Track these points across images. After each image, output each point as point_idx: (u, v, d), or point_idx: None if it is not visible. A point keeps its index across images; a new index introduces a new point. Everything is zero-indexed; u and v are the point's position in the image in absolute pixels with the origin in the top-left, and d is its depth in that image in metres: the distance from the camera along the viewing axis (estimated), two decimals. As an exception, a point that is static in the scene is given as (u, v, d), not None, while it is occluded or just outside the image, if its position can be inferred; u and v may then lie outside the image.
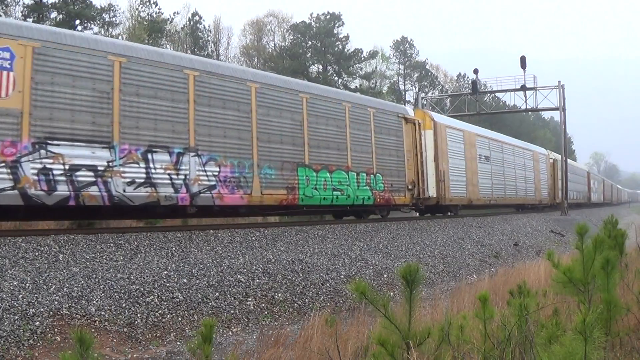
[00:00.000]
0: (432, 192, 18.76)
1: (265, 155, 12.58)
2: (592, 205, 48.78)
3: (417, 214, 20.79)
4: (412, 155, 17.82)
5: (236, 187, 11.96)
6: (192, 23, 39.08)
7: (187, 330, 7.10)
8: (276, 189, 12.77)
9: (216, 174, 11.61)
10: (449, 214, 22.08)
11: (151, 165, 10.45)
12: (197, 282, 8.19)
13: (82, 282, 7.19)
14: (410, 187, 17.38)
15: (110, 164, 9.84)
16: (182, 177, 10.96)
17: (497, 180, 25.21)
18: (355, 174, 15.10)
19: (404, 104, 40.53)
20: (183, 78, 11.17)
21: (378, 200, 15.95)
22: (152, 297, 7.38)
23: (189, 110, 11.20)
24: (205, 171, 11.39)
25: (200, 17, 39.47)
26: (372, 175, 15.77)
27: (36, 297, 6.51)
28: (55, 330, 6.14)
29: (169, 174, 10.74)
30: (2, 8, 27.74)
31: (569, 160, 38.19)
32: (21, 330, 5.88)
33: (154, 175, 10.48)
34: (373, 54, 48.61)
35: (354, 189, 14.98)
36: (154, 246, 9.37)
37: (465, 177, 21.49)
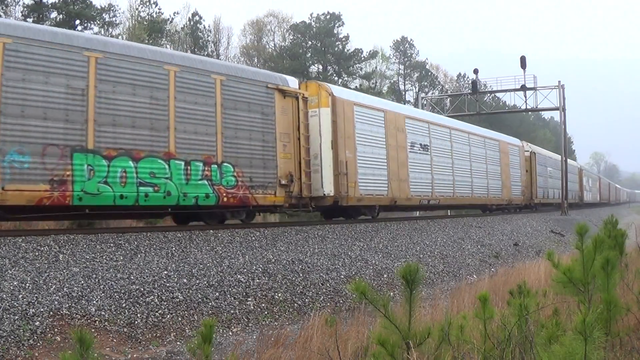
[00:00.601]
0: (327, 189, 14.36)
1: (13, 136, 8.96)
2: (585, 206, 44.62)
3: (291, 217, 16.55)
4: (292, 139, 13.28)
5: None
6: (192, 23, 39.10)
7: (187, 330, 7.10)
8: (32, 183, 9.18)
9: None
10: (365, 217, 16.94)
11: None
12: (197, 282, 8.19)
13: (82, 282, 7.20)
14: (284, 182, 12.89)
15: None
16: None
17: (442, 175, 20.04)
18: (182, 162, 10.97)
19: (404, 104, 40.48)
20: None
21: (225, 199, 11.68)
22: (152, 297, 7.38)
23: None
24: None
25: (200, 17, 39.50)
26: (214, 166, 11.53)
27: (36, 297, 6.52)
28: (55, 330, 6.14)
29: None
30: (2, 8, 27.75)
31: (552, 154, 36.29)
32: (21, 330, 5.88)
33: None
34: (373, 54, 48.65)
35: (179, 183, 10.88)
36: (154, 246, 9.37)
37: (386, 170, 16.60)
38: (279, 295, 8.78)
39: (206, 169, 11.44)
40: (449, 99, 44.63)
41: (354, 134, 15.40)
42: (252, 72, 13.55)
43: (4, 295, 6.35)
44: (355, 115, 15.56)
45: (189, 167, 11.12)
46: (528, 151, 30.21)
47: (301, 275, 9.64)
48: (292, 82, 13.86)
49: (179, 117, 11.05)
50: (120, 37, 31.85)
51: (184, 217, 12.86)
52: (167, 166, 10.79)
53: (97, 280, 7.35)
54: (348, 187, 14.75)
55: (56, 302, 6.53)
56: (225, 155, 11.85)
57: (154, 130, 10.69)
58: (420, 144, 18.90)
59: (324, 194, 14.38)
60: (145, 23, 33.87)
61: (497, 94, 40.52)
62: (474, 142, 23.30)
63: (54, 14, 28.64)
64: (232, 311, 7.91)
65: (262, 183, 12.56)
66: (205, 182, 11.43)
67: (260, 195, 12.52)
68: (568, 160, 39.14)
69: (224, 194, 11.71)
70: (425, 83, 55.04)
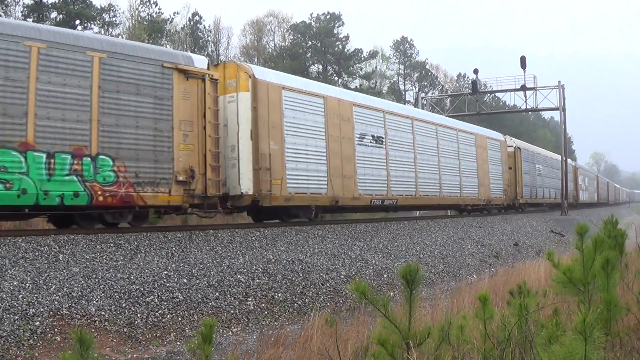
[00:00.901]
0: (245, 186, 12.28)
1: None
2: (581, 206, 42.34)
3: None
4: (196, 128, 11.40)
5: None
6: (192, 23, 39.08)
7: (187, 330, 7.11)
8: None
9: None
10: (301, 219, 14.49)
11: None
12: (197, 282, 8.19)
13: (82, 282, 7.20)
14: (182, 178, 10.96)
15: None
16: None
17: (401, 171, 17.64)
18: (43, 155, 9.26)
19: (404, 104, 40.47)
20: None
21: (100, 198, 9.88)
22: (152, 297, 7.38)
23: None
24: None
25: (200, 17, 39.48)
26: (86, 158, 9.78)
27: (36, 297, 6.52)
28: (55, 330, 6.14)
29: None
30: (2, 8, 27.76)
31: (541, 150, 35.02)
32: (21, 330, 5.88)
33: None
34: (373, 54, 48.63)
35: (38, 179, 9.17)
36: (154, 246, 9.37)
37: (326, 165, 14.35)
38: (279, 295, 8.78)
39: (75, 162, 9.64)
40: (449, 99, 44.65)
41: (282, 122, 13.17)
42: (143, 49, 11.37)
43: (4, 295, 6.35)
44: (284, 101, 13.31)
45: (52, 160, 9.36)
46: (512, 146, 27.93)
47: (301, 275, 9.64)
48: (200, 62, 11.90)
49: (41, 101, 9.34)
50: (120, 37, 31.86)
51: (63, 219, 10.73)
52: (22, 159, 9.05)
53: (97, 280, 7.35)
54: (272, 184, 12.59)
55: (56, 302, 6.53)
56: (102, 146, 10.00)
57: (7, 117, 8.96)
58: (373, 136, 16.45)
59: (241, 193, 12.28)
60: (145, 23, 33.85)
61: (497, 94, 40.55)
62: (444, 134, 20.82)
63: (54, 14, 28.65)
64: (232, 311, 7.91)
65: (153, 179, 10.58)
66: (74, 177, 9.63)
67: (150, 194, 10.53)
68: (557, 155, 38.28)
69: (100, 192, 9.85)
70: (425, 83, 55.02)
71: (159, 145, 10.78)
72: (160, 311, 7.21)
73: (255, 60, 43.01)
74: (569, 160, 39.48)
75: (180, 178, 10.96)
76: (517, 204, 27.95)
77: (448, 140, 21.08)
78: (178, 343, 6.76)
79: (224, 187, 12.14)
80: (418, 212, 24.68)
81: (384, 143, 16.90)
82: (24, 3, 28.52)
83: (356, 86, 45.53)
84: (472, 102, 36.70)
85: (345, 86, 42.53)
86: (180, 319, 7.29)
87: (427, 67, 56.07)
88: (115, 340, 6.43)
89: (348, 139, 15.35)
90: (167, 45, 35.98)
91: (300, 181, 13.53)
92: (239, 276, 8.80)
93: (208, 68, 11.99)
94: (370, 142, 16.31)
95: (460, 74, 61.92)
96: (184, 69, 11.28)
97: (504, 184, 25.72)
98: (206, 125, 11.52)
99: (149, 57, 10.85)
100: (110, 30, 31.30)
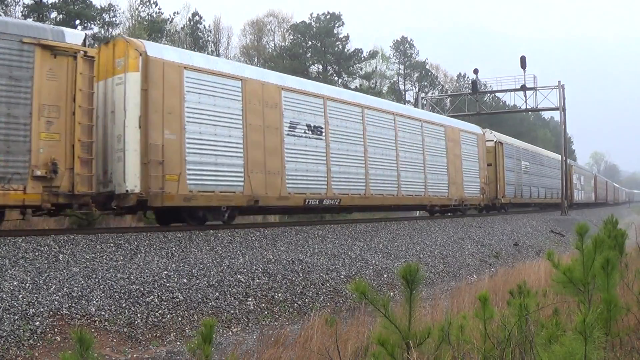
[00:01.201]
0: (131, 183, 10.40)
1: None
2: (575, 207, 39.44)
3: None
4: (64, 115, 9.60)
5: None
6: (192, 23, 39.10)
7: (187, 330, 7.11)
8: None
9: None
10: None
11: None
12: (197, 282, 8.19)
13: (82, 282, 7.20)
14: (41, 173, 9.20)
15: None
16: None
17: (346, 166, 15.31)
18: None
19: (404, 104, 40.46)
20: None
21: None
22: (152, 297, 7.38)
23: None
24: None
25: (200, 17, 39.51)
26: None
27: (36, 297, 6.52)
28: (55, 330, 6.14)
29: None
30: (2, 8, 27.77)
31: (529, 146, 33.31)
32: (21, 330, 5.88)
33: None
34: (373, 54, 48.63)
35: None
36: (154, 246, 9.38)
37: (243, 158, 12.28)
38: (279, 295, 8.78)
39: None
40: (449, 99, 44.68)
41: (182, 108, 11.21)
42: None
43: (4, 295, 6.35)
44: (186, 84, 11.37)
45: None
46: (492, 140, 25.48)
47: (301, 275, 9.64)
48: (73, 37, 10.09)
49: None
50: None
51: None
52: None
53: (97, 280, 7.35)
54: (165, 180, 10.65)
55: (56, 302, 6.53)
56: None
57: None
58: (309, 126, 14.17)
59: (127, 191, 10.39)
60: (145, 23, 33.85)
61: (497, 94, 40.55)
62: (405, 125, 18.32)
63: (54, 14, 28.65)
64: (232, 311, 7.91)
65: (3, 174, 8.91)
66: None
67: None
68: (553, 155, 37.19)
69: None
70: (425, 83, 55.05)
71: (13, 134, 9.03)
72: (160, 311, 7.21)
73: (255, 60, 43.03)
74: (557, 156, 37.81)
75: (39, 173, 9.17)
76: (497, 204, 25.51)
77: (410, 132, 18.59)
78: (178, 343, 6.76)
79: (111, 184, 10.61)
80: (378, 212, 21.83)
81: (323, 134, 14.63)
82: (23, 3, 28.54)
83: (356, 86, 45.53)
84: (472, 102, 36.72)
85: (345, 86, 42.53)
86: (180, 319, 7.29)
87: (427, 67, 56.10)
88: (115, 340, 6.43)
89: (274, 128, 13.14)
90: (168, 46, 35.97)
91: (205, 177, 11.48)
92: (239, 276, 8.81)
93: (85, 44, 10.22)
94: (305, 132, 14.05)
95: (460, 74, 61.97)
96: (50, 44, 9.48)
97: (481, 182, 23.12)
98: (76, 111, 9.66)
99: (2, 31, 9.11)
100: (110, 30, 31.30)
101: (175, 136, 11.00)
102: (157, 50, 11.38)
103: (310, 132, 14.25)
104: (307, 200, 13.93)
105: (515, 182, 27.79)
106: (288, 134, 13.57)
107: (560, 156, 32.68)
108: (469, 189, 22.08)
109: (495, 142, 25.78)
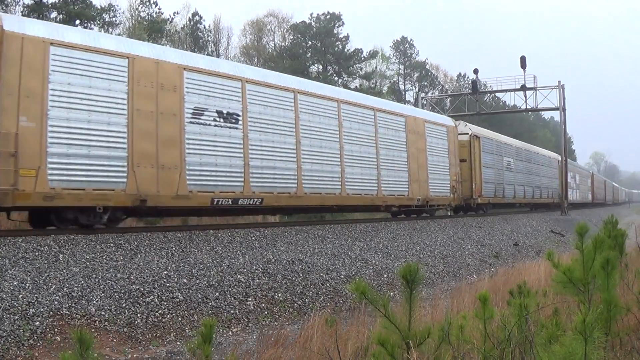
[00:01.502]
0: None
1: None
2: (571, 207, 34.18)
3: None
4: None
5: None
6: (192, 23, 39.12)
7: (187, 330, 7.11)
8: None
9: None
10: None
11: None
12: (197, 282, 8.19)
13: (82, 282, 7.20)
14: None
15: None
16: None
17: (271, 160, 13.09)
18: None
19: (404, 104, 40.44)
20: None
21: None
22: (152, 297, 7.38)
23: None
24: None
25: (201, 17, 39.53)
26: None
27: (36, 297, 6.52)
28: (55, 330, 6.15)
29: None
30: (2, 8, 27.77)
31: (514, 141, 31.27)
32: (21, 330, 5.88)
33: None
34: (373, 54, 48.65)
35: None
36: (154, 246, 9.38)
37: (126, 149, 10.39)
38: (279, 295, 8.78)
39: None
40: (449, 99, 44.70)
41: (45, 91, 9.55)
42: None
43: (4, 295, 6.35)
44: (52, 62, 9.74)
45: None
46: (466, 134, 22.70)
47: (301, 275, 9.64)
48: None
49: None
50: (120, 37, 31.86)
51: None
52: None
53: (97, 280, 7.35)
54: (18, 176, 8.99)
55: (56, 302, 6.53)
56: None
57: None
58: (220, 113, 12.10)
59: None
60: (145, 23, 33.87)
61: (497, 94, 40.56)
62: (351, 114, 15.85)
63: (54, 14, 28.66)
64: (232, 311, 7.91)
65: None
66: None
67: None
68: (547, 152, 36.32)
69: None
70: (425, 83, 55.07)
71: None
72: (160, 311, 7.21)
73: (255, 60, 43.04)
74: (553, 155, 36.71)
75: None
76: (473, 204, 22.97)
77: (358, 122, 16.14)
78: (178, 343, 6.76)
79: None
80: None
81: (240, 122, 12.48)
82: (24, 3, 28.54)
83: (356, 86, 45.55)
84: (472, 102, 36.75)
85: (345, 86, 42.54)
86: (180, 319, 7.29)
87: (427, 67, 56.12)
88: (115, 340, 6.43)
89: (171, 114, 11.20)
90: (168, 46, 36.02)
91: (73, 172, 9.74)
92: (239, 276, 8.81)
93: None
94: (215, 120, 12.00)
95: (460, 74, 61.98)
96: None
97: (451, 180, 20.49)
98: None
99: None
100: (111, 30, 31.31)
101: (34, 124, 9.30)
102: (18, 23, 9.78)
103: (222, 120, 12.14)
104: (215, 200, 11.83)
105: (495, 180, 25.19)
106: (191, 122, 11.55)
107: (551, 152, 32.44)
108: (436, 188, 19.56)
109: (470, 135, 22.90)
